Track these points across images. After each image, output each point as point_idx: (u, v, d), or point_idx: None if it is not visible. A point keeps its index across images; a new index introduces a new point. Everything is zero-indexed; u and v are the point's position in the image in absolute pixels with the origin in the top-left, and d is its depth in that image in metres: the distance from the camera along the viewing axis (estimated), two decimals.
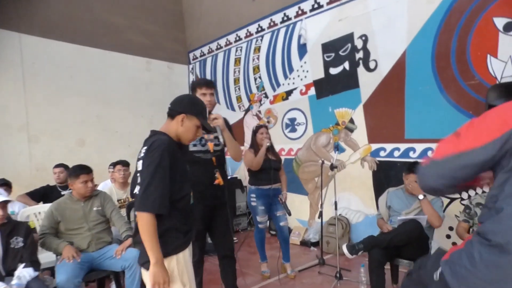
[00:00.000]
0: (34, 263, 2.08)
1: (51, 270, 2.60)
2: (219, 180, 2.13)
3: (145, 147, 1.41)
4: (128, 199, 3.48)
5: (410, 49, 3.41)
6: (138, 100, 5.71)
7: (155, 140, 1.39)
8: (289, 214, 3.10)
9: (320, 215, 3.23)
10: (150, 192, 1.32)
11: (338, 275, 2.98)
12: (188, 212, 1.53)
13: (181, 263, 1.44)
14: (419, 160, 3.24)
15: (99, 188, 3.71)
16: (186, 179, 1.51)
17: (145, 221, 1.31)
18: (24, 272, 1.98)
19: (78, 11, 5.06)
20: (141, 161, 1.39)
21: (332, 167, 3.13)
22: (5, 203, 2.09)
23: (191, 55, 6.31)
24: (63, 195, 2.65)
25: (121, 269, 2.36)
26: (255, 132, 3.23)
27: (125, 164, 3.56)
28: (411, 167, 2.53)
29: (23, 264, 2.03)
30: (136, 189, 1.38)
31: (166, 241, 1.39)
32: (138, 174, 1.39)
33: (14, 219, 2.84)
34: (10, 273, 2.04)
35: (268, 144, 3.10)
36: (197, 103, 1.58)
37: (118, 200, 3.43)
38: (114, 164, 3.56)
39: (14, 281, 1.90)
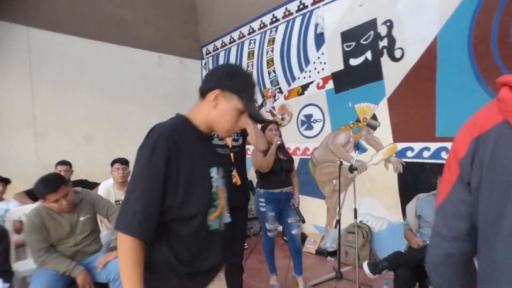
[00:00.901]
0: (5, 273, 1.85)
1: None
2: (236, 179, 1.84)
3: None
4: None
5: (442, 34, 2.96)
6: (149, 96, 5.51)
7: (157, 124, 0.99)
8: (303, 221, 2.73)
9: (337, 224, 2.83)
10: (127, 206, 0.92)
11: None
12: (200, 244, 1.03)
13: None
14: None
15: (101, 188, 3.50)
16: (199, 191, 1.00)
17: (121, 245, 0.91)
18: None
19: (86, 5, 4.90)
20: None
21: (352, 169, 2.75)
22: None
23: (204, 49, 6.06)
24: None
25: (106, 281, 2.09)
26: (263, 129, 2.89)
27: (123, 162, 3.31)
28: None
29: None
30: None
31: (156, 277, 0.99)
32: None
33: (1, 218, 2.67)
34: None
35: (278, 142, 2.76)
36: (240, 74, 1.05)
37: (116, 201, 3.19)
38: (112, 163, 3.31)
39: None
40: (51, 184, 2.04)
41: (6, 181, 3.22)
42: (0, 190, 3.11)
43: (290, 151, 3.51)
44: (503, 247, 0.59)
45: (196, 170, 1.00)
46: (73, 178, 3.98)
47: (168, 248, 0.98)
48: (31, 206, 2.94)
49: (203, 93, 1.04)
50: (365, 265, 2.03)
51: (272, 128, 2.85)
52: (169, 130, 0.96)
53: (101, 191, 3.29)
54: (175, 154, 0.94)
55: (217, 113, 1.02)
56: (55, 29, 4.65)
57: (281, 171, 2.74)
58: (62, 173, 3.79)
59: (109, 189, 3.26)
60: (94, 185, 3.95)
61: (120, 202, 3.22)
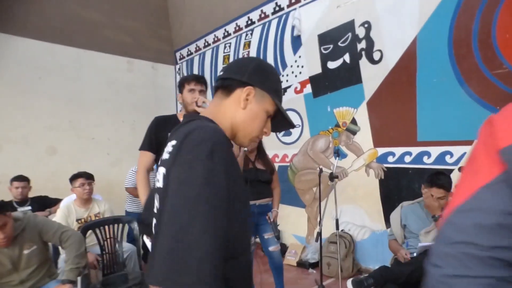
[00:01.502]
0: None
1: None
2: None
3: (174, 141, 0.73)
4: (90, 218, 2.94)
5: (421, 35, 2.88)
6: (118, 104, 5.19)
7: (196, 128, 0.70)
8: (277, 238, 2.53)
9: (318, 236, 2.64)
10: (186, 248, 0.59)
11: None
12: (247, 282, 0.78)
13: None
14: (443, 168, 2.70)
15: (61, 205, 3.16)
16: (247, 216, 0.78)
17: None
18: None
19: (47, 5, 4.56)
20: (163, 170, 0.74)
21: (332, 176, 2.59)
22: None
23: (177, 54, 5.81)
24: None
25: None
26: None
27: (88, 177, 3.01)
28: (435, 179, 1.98)
29: None
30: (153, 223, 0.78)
31: None
32: (157, 195, 0.76)
33: None
34: None
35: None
36: (274, 73, 0.87)
37: (77, 220, 2.88)
38: (73, 177, 2.99)
39: None
40: None
41: None
42: None
43: None
44: None
45: (244, 192, 0.76)
46: (35, 193, 3.64)
47: (236, 262, 0.71)
48: None
49: (229, 87, 0.81)
50: (349, 283, 1.86)
51: None
52: (222, 135, 0.71)
53: (61, 209, 2.96)
54: (231, 168, 0.69)
55: (246, 115, 0.81)
56: (12, 32, 4.29)
57: (255, 181, 2.52)
58: (19, 190, 3.44)
59: (70, 206, 2.95)
60: (55, 202, 3.62)
61: (83, 221, 2.91)
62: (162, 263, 0.59)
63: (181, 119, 1.96)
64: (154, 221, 0.78)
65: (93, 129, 4.92)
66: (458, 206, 0.49)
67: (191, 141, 0.68)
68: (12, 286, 1.86)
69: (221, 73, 0.86)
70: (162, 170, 0.75)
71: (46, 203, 3.62)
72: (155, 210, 0.78)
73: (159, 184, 0.75)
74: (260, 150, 2.67)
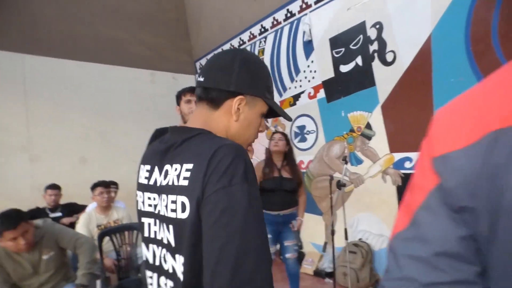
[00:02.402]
0: None
1: None
2: None
3: (190, 165, 0.65)
4: (110, 224, 3.10)
5: (436, 33, 2.72)
6: (143, 114, 5.45)
7: (220, 147, 0.64)
8: (300, 247, 2.51)
9: (324, 247, 2.57)
10: (246, 276, 0.57)
11: None
12: None
13: None
14: None
15: (86, 211, 3.39)
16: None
17: None
18: None
19: (79, 28, 4.93)
20: (182, 198, 0.65)
21: (339, 185, 2.51)
22: None
23: (197, 64, 5.98)
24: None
25: None
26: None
27: (107, 185, 3.19)
28: None
29: None
30: (171, 260, 0.69)
31: None
32: (171, 226, 0.69)
33: None
34: None
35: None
36: (261, 68, 0.79)
37: (97, 226, 3.05)
38: (93, 187, 3.18)
39: None
40: (10, 220, 1.88)
41: None
42: None
43: None
44: None
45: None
46: (67, 200, 3.92)
47: None
48: None
49: (216, 100, 0.74)
50: None
51: (275, 137, 2.60)
52: (244, 150, 0.67)
53: (83, 216, 3.17)
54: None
55: (241, 125, 0.76)
56: (50, 54, 4.69)
57: (280, 191, 2.49)
58: (52, 197, 3.73)
59: (91, 213, 3.14)
60: (82, 208, 3.86)
61: (103, 227, 3.08)
62: None
63: None
64: (162, 251, 0.72)
65: (120, 139, 5.19)
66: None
67: (219, 165, 0.61)
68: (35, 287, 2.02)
69: (201, 78, 0.75)
70: (179, 198, 0.65)
71: (75, 209, 3.88)
72: (159, 237, 0.72)
73: (174, 215, 0.66)
74: (288, 157, 2.64)
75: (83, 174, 4.82)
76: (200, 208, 0.61)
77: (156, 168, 0.74)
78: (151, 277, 0.77)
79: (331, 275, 3.40)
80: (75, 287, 2.16)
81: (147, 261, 0.78)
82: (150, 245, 0.76)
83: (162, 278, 0.72)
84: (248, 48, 4.73)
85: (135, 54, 5.37)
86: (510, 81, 0.36)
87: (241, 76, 0.73)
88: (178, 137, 0.72)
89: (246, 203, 0.59)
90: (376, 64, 3.18)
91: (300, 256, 3.68)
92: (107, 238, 2.78)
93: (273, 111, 0.81)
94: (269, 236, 2.50)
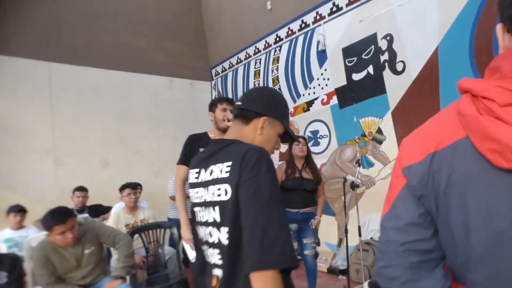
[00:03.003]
0: None
1: None
2: None
3: (229, 163, 0.90)
4: (137, 223, 3.33)
5: (443, 45, 2.92)
6: (161, 119, 5.70)
7: (250, 149, 0.89)
8: (318, 244, 2.70)
9: (340, 242, 2.78)
10: (273, 235, 0.82)
11: None
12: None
13: None
14: None
15: (112, 212, 3.61)
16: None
17: (273, 285, 0.80)
18: None
19: (103, 36, 5.21)
20: (224, 186, 0.89)
21: (353, 186, 2.71)
22: None
23: (213, 71, 6.23)
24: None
25: None
26: (290, 144, 2.81)
27: (134, 187, 3.42)
28: None
29: None
30: (216, 233, 0.93)
31: None
32: (218, 207, 0.92)
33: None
34: None
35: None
36: (282, 101, 1.08)
37: (126, 225, 3.28)
38: (121, 188, 3.42)
39: None
40: (60, 216, 2.09)
41: (23, 211, 3.38)
42: (19, 220, 3.25)
43: None
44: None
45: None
46: (89, 202, 4.14)
47: (286, 276, 0.88)
48: None
49: (248, 118, 1.02)
50: (365, 285, 1.98)
51: (300, 143, 2.78)
52: (267, 152, 0.93)
53: (112, 216, 3.40)
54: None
55: (263, 139, 1.02)
56: (75, 62, 4.96)
57: (300, 190, 2.72)
58: (80, 199, 3.95)
59: (119, 213, 3.36)
60: (107, 209, 4.09)
61: (130, 226, 3.31)
62: (255, 254, 0.81)
63: (211, 135, 2.23)
64: (208, 229, 0.95)
65: (139, 142, 5.44)
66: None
67: (250, 159, 0.87)
68: (76, 280, 2.24)
69: (239, 102, 1.05)
70: (222, 186, 0.89)
71: (100, 210, 4.12)
72: (210, 219, 0.95)
73: (219, 198, 0.91)
74: (308, 160, 2.85)
75: (104, 177, 5.07)
76: (237, 192, 0.87)
77: (203, 170, 1.01)
78: (204, 250, 1.03)
79: (344, 272, 3.59)
80: (113, 279, 2.38)
81: (200, 238, 1.04)
82: (200, 227, 1.02)
83: (211, 249, 0.97)
84: (263, 56, 4.97)
85: (155, 61, 5.64)
86: (441, 120, 0.60)
87: (267, 103, 1.02)
88: (217, 146, 1.00)
89: (270, 187, 0.85)
90: (387, 73, 3.38)
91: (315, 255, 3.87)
92: (135, 236, 3.01)
93: (287, 135, 1.08)
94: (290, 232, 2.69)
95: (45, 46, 4.75)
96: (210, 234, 0.96)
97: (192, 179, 1.07)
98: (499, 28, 0.58)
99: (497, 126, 0.45)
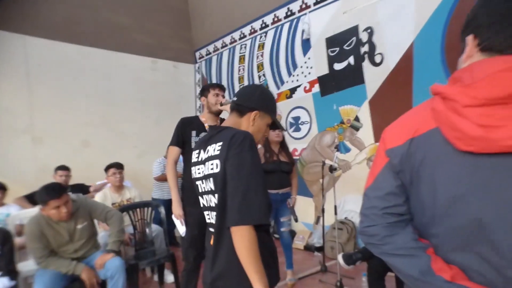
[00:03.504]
0: (10, 272, 2.01)
1: None
2: None
3: (220, 143, 1.10)
4: (123, 203, 3.41)
5: (418, 40, 3.15)
6: (144, 100, 5.68)
7: (237, 133, 1.09)
8: (296, 220, 2.92)
9: (318, 220, 3.02)
10: (250, 197, 1.01)
11: (339, 284, 2.78)
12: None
13: None
14: None
15: (98, 192, 3.66)
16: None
17: (247, 238, 0.99)
18: None
19: (82, 12, 5.06)
20: (216, 161, 1.09)
21: (332, 168, 2.93)
22: None
23: (197, 54, 6.23)
24: None
25: (104, 278, 2.26)
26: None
27: (118, 166, 3.48)
28: None
29: None
30: (213, 199, 1.13)
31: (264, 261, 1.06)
32: (212, 178, 1.12)
33: (2, 222, 2.84)
34: None
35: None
36: (271, 97, 1.30)
37: (112, 204, 3.36)
38: (106, 168, 3.48)
39: None
40: (55, 191, 2.18)
41: (3, 188, 3.36)
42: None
43: None
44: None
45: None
46: (71, 182, 4.14)
47: (266, 234, 1.13)
48: (31, 210, 3.12)
49: (242, 111, 1.23)
50: (339, 257, 2.22)
51: (279, 133, 2.95)
52: (252, 135, 1.12)
53: (98, 195, 3.46)
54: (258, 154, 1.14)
55: (254, 128, 1.23)
56: (52, 37, 4.80)
57: (279, 172, 2.90)
58: (63, 178, 3.94)
59: (106, 192, 3.43)
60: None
61: (117, 205, 3.39)
62: (237, 211, 1.00)
63: (202, 119, 2.34)
64: (215, 196, 1.12)
65: (122, 124, 5.42)
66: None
67: (236, 140, 1.06)
68: (68, 254, 2.33)
69: (235, 98, 1.26)
70: (215, 161, 1.10)
71: (83, 190, 4.13)
72: (208, 188, 1.15)
73: (213, 171, 1.11)
74: (283, 144, 3.04)
75: (87, 158, 5.04)
76: (225, 165, 1.06)
77: (202, 151, 1.21)
78: (206, 214, 1.22)
79: (319, 249, 3.88)
80: (105, 252, 2.49)
81: (203, 205, 1.23)
82: (202, 196, 1.22)
83: (211, 213, 1.17)
84: (249, 42, 5.04)
85: (137, 41, 5.56)
86: (417, 114, 0.75)
87: (258, 100, 1.23)
88: (214, 131, 1.20)
89: (251, 161, 1.05)
90: (366, 64, 3.59)
91: (292, 234, 4.13)
92: (123, 213, 3.10)
93: (274, 124, 1.31)
94: None
95: (20, 18, 4.56)
96: (210, 200, 1.16)
97: (194, 159, 1.26)
98: (470, 39, 0.71)
99: (460, 121, 0.62)
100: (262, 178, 1.07)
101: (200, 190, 1.22)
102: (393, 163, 0.75)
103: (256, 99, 1.23)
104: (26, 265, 2.56)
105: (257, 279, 0.97)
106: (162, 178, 4.36)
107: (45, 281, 2.04)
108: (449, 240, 0.68)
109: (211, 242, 1.16)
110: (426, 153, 0.69)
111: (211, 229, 1.17)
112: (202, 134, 2.21)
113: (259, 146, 2.40)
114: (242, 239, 1.00)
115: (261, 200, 1.03)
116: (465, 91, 0.63)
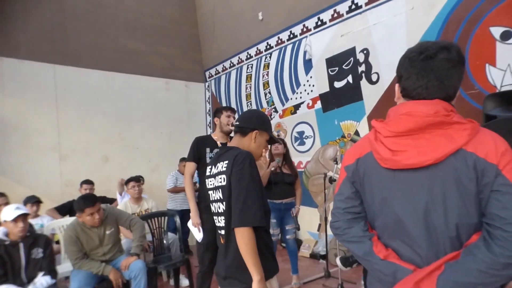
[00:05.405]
0: (51, 272, 2.34)
1: None
2: None
3: (226, 161, 1.39)
4: (142, 213, 3.73)
5: None
6: (158, 118, 6.07)
7: (240, 153, 1.37)
8: (298, 229, 3.17)
9: (319, 227, 3.26)
10: (249, 205, 1.29)
11: None
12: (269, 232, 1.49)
13: None
14: None
15: (119, 203, 4.01)
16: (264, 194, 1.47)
17: (246, 237, 1.27)
18: (42, 280, 2.24)
19: (103, 40, 5.55)
20: (223, 176, 1.38)
21: (331, 180, 3.19)
22: (25, 216, 2.36)
23: (207, 73, 6.63)
24: None
25: (128, 278, 2.56)
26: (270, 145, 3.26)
27: (136, 180, 3.82)
28: None
29: (42, 273, 2.30)
30: (221, 206, 1.40)
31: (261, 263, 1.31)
32: (220, 189, 1.40)
33: (38, 232, 3.19)
34: (31, 280, 2.32)
35: (272, 168, 3.11)
36: (266, 118, 1.58)
37: (132, 214, 3.68)
38: (126, 182, 3.83)
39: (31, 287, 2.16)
40: (89, 200, 2.57)
41: (39, 202, 3.74)
42: (35, 210, 3.63)
43: None
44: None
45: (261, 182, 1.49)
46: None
47: (266, 234, 1.41)
48: (62, 220, 3.48)
49: (244, 132, 1.51)
50: (337, 260, 2.46)
51: (278, 146, 3.24)
52: (252, 155, 1.41)
53: (120, 205, 3.79)
54: (257, 171, 1.41)
55: (255, 145, 1.51)
56: (77, 64, 5.29)
57: (282, 183, 3.18)
58: (87, 191, 4.30)
59: (126, 204, 3.76)
60: (112, 201, 4.47)
61: (136, 214, 3.71)
62: (238, 215, 1.29)
63: (215, 137, 2.64)
64: (222, 204, 1.41)
65: (137, 140, 5.81)
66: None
67: (238, 159, 1.35)
68: (98, 256, 2.66)
69: (237, 122, 1.55)
70: (222, 176, 1.39)
71: (106, 202, 4.49)
72: (217, 197, 1.43)
73: (221, 184, 1.40)
74: (286, 157, 3.33)
75: (105, 172, 5.43)
76: (230, 179, 1.35)
77: (213, 166, 1.51)
78: (215, 218, 1.49)
79: (324, 257, 4.09)
80: (129, 255, 2.79)
81: (213, 211, 1.50)
82: (213, 204, 1.50)
83: (219, 217, 1.45)
84: (255, 62, 5.40)
85: (152, 64, 6.00)
86: (362, 142, 1.03)
87: (257, 121, 1.52)
88: (223, 150, 1.50)
89: (249, 177, 1.32)
90: (364, 83, 3.88)
91: (298, 243, 4.36)
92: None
93: (272, 139, 1.59)
94: (274, 220, 3.16)
95: (50, 49, 5.07)
96: (219, 207, 1.46)
97: (207, 173, 1.58)
98: (397, 86, 1.01)
99: (380, 146, 0.91)
100: (259, 190, 1.37)
101: (211, 199, 1.52)
102: (349, 176, 1.04)
103: (255, 121, 1.52)
104: (59, 268, 2.88)
105: (255, 270, 1.26)
106: (175, 190, 4.72)
107: (80, 279, 2.37)
108: (384, 230, 0.96)
109: (222, 241, 1.45)
110: (366, 169, 0.98)
111: (220, 231, 1.46)
112: (216, 151, 2.52)
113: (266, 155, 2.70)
114: (243, 237, 1.28)
115: (257, 207, 1.31)
116: (385, 127, 0.92)
